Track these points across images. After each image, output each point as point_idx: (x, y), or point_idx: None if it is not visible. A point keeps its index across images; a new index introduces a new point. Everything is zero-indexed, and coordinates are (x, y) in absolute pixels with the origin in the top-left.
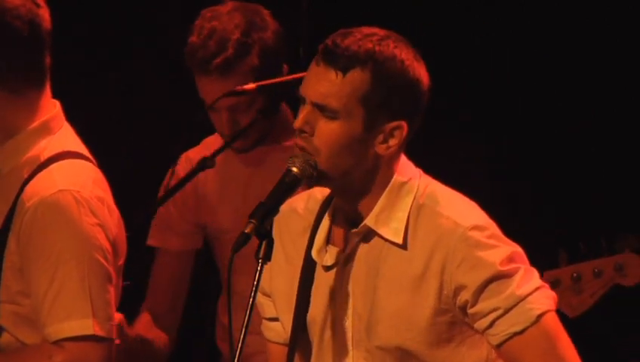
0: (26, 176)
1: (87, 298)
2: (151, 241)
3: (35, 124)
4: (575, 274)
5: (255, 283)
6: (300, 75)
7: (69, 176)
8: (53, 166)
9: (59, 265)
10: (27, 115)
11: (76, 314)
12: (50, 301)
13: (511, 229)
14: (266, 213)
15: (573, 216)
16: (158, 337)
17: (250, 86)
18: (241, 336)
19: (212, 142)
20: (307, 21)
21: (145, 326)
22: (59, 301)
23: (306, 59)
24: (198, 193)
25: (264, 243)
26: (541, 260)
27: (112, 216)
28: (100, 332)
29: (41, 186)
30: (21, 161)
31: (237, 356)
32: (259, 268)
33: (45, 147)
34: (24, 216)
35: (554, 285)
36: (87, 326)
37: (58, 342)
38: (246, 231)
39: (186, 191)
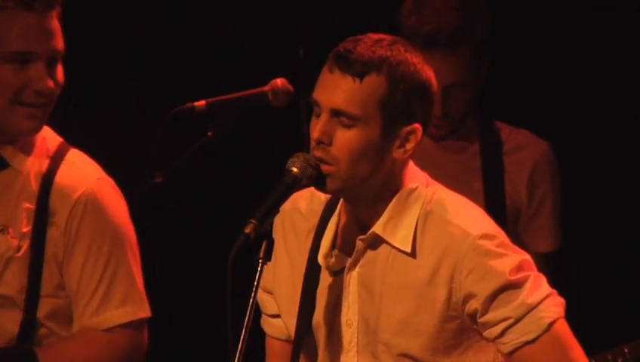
0: (44, 169)
1: (138, 282)
2: None
3: None
4: None
5: (255, 283)
6: (250, 92)
7: (92, 165)
8: (69, 157)
9: (112, 253)
10: None
11: (132, 299)
12: (104, 289)
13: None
14: (266, 213)
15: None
16: None
17: (201, 103)
18: (242, 336)
19: None
20: (307, 21)
21: None
22: (113, 288)
23: (305, 59)
24: None
25: (264, 243)
26: None
27: None
28: (150, 314)
29: (77, 177)
30: (32, 155)
31: (237, 355)
32: (259, 269)
33: (45, 138)
34: (72, 208)
35: None
36: (144, 309)
37: (112, 329)
38: (246, 231)
39: None
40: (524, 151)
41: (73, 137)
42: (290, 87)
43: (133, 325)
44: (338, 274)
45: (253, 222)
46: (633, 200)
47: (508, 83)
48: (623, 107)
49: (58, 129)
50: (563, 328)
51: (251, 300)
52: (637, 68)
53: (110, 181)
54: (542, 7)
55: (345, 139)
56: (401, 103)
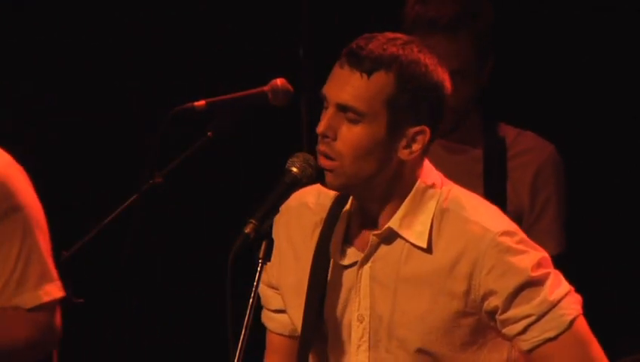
0: None
1: (50, 263)
2: None
3: None
4: None
5: (255, 283)
6: (250, 91)
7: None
8: None
9: (26, 236)
10: None
11: (46, 280)
12: (20, 272)
13: None
14: (265, 213)
15: None
16: None
17: (201, 103)
18: (242, 336)
19: None
20: (307, 21)
21: None
22: (29, 270)
23: (305, 59)
24: None
25: (264, 243)
26: None
27: None
28: (64, 293)
29: None
30: None
31: (237, 355)
32: (259, 269)
33: None
34: None
35: None
36: (59, 289)
37: (30, 310)
38: (246, 231)
39: None
40: (528, 154)
41: (73, 137)
42: (290, 87)
43: (48, 306)
44: (349, 268)
45: (253, 222)
46: (633, 201)
47: (510, 85)
48: (622, 108)
49: (58, 129)
50: (583, 325)
51: (251, 300)
52: (637, 68)
53: (17, 165)
54: (542, 8)
55: (350, 134)
56: (408, 103)
